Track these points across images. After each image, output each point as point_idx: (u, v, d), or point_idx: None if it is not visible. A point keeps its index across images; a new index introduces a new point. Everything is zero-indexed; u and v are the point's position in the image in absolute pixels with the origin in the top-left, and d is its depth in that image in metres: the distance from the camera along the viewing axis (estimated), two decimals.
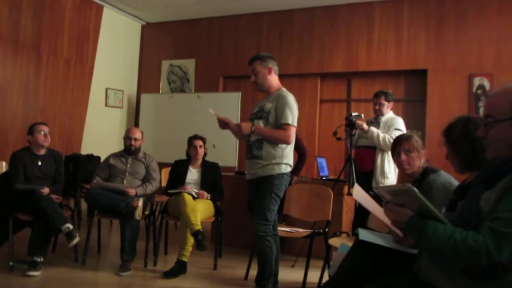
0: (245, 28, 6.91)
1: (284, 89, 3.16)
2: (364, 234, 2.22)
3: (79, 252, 3.79)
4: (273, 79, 3.17)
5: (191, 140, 4.14)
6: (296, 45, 6.52)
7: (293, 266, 3.96)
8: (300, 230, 3.63)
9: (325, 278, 3.15)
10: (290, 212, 3.85)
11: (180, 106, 6.93)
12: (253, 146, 3.05)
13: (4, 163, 4.80)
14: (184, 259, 3.58)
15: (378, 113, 4.20)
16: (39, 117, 5.49)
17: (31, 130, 3.83)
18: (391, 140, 3.84)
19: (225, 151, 6.11)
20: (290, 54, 6.54)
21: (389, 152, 3.01)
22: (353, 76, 6.31)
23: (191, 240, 3.57)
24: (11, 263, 3.45)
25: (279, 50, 6.60)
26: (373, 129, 4.04)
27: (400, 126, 4.06)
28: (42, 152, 3.89)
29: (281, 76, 6.68)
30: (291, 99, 3.06)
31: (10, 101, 5.42)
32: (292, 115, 3.01)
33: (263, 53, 3.20)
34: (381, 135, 3.98)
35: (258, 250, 3.03)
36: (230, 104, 6.47)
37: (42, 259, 3.46)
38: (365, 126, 4.04)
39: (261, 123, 3.04)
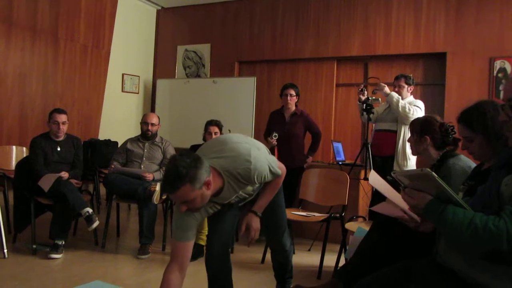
0: (261, 12, 6.84)
1: (228, 168, 2.03)
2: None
3: (98, 235, 3.87)
4: (215, 182, 1.98)
5: (207, 125, 4.15)
6: (312, 28, 6.44)
7: (309, 250, 3.99)
8: (316, 214, 3.64)
9: (342, 261, 3.17)
10: (306, 196, 3.86)
11: (196, 91, 6.94)
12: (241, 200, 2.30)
13: (24, 149, 4.90)
14: (202, 242, 3.62)
15: None
16: (58, 103, 5.56)
17: (49, 117, 3.90)
18: (410, 109, 3.82)
19: None
20: (306, 38, 6.46)
21: None
22: (370, 60, 6.22)
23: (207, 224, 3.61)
24: (34, 246, 3.55)
25: (295, 34, 6.53)
26: (394, 93, 4.04)
27: (419, 104, 4.02)
28: (61, 137, 3.95)
29: (297, 61, 6.68)
30: (255, 156, 2.07)
31: (30, 87, 5.49)
32: (272, 162, 2.20)
33: (181, 168, 1.81)
34: (402, 101, 3.95)
35: (287, 261, 2.71)
36: (245, 89, 6.45)
37: (63, 242, 3.55)
38: (386, 89, 4.04)
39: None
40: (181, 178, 1.80)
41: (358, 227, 2.82)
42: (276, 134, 4.27)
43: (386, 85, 4.10)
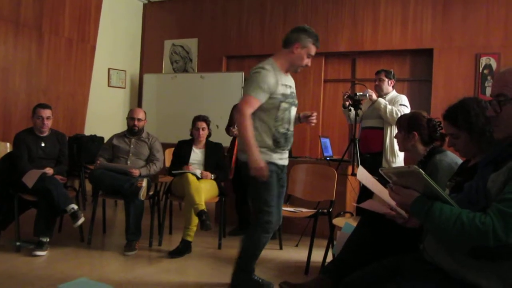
0: (249, 7, 6.81)
1: None
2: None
3: (84, 232, 3.82)
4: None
5: (195, 121, 4.12)
6: (300, 24, 6.41)
7: (297, 245, 3.99)
8: (304, 210, 3.64)
9: (329, 257, 3.17)
10: (294, 192, 3.86)
11: (183, 86, 6.90)
12: (292, 136, 2.83)
13: (8, 144, 4.81)
14: (189, 238, 3.60)
15: (378, 89, 4.19)
16: (42, 98, 5.47)
17: (33, 112, 3.83)
18: (398, 113, 3.85)
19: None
20: None
21: None
22: (358, 55, 6.24)
23: (195, 220, 3.59)
24: (17, 243, 3.49)
25: (283, 29, 6.51)
26: (381, 100, 4.06)
27: (404, 102, 4.07)
28: (45, 133, 3.88)
29: None
30: None
31: (13, 81, 5.39)
32: None
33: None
34: (389, 107, 3.98)
35: None
36: (233, 84, 6.43)
37: (48, 239, 3.49)
38: (374, 96, 4.06)
39: (295, 112, 2.82)
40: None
41: (346, 223, 2.83)
42: None
43: (373, 92, 4.11)
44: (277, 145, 2.69)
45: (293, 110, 2.77)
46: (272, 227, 2.72)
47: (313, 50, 2.72)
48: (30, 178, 3.53)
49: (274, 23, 6.59)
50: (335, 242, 3.02)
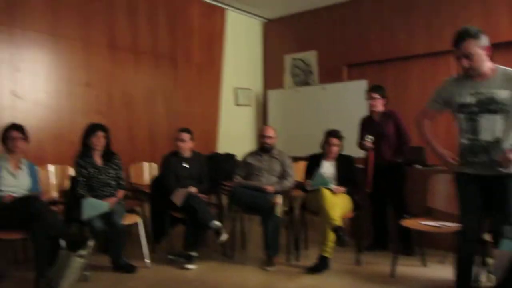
0: (367, 12, 6.63)
1: (500, 66, 2.63)
2: None
3: (226, 247, 4.04)
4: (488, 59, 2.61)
5: (328, 136, 4.10)
6: (423, 23, 6.06)
7: (442, 262, 3.72)
8: (448, 224, 3.39)
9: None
10: (435, 204, 3.63)
11: (306, 99, 6.96)
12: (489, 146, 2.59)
13: (154, 165, 5.34)
14: (327, 254, 3.59)
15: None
16: (180, 121, 5.95)
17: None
18: None
19: (355, 143, 5.98)
20: (418, 33, 6.11)
21: None
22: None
23: (331, 236, 3.56)
24: (170, 257, 3.84)
25: (404, 32, 6.20)
26: None
27: None
28: (188, 154, 4.23)
29: (409, 58, 6.25)
30: None
31: (156, 108, 5.98)
32: None
33: (471, 28, 2.55)
34: None
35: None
36: (356, 92, 6.28)
37: (196, 253, 3.77)
38: None
39: (499, 120, 2.53)
40: (468, 32, 2.53)
41: (505, 240, 2.55)
42: (369, 136, 4.11)
43: None
44: (461, 157, 2.69)
45: (485, 118, 2.55)
46: (464, 234, 2.73)
47: (455, 51, 2.63)
48: (178, 197, 3.87)
49: (395, 26, 6.30)
50: (491, 261, 2.75)
